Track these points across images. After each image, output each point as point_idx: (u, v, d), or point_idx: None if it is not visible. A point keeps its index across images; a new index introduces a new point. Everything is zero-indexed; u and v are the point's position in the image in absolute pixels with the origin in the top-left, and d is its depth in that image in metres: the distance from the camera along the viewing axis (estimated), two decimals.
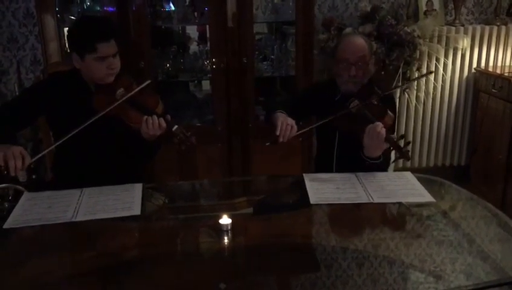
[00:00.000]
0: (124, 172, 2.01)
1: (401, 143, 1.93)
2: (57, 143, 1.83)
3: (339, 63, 2.12)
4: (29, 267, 1.52)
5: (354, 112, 2.01)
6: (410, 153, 1.94)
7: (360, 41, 2.13)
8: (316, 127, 2.21)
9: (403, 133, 3.52)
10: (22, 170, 1.74)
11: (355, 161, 2.01)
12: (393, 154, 2.03)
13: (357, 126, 1.96)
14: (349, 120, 2.01)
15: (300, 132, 2.01)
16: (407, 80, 1.97)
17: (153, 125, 1.85)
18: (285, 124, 1.95)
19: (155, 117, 1.85)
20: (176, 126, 1.84)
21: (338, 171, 2.13)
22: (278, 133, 1.95)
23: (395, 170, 3.25)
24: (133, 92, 1.91)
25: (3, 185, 3.10)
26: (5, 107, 2.11)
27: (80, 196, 1.83)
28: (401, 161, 3.46)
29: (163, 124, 1.85)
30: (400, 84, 1.96)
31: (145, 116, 1.86)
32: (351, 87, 2.10)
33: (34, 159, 1.78)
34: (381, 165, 2.03)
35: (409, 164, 3.59)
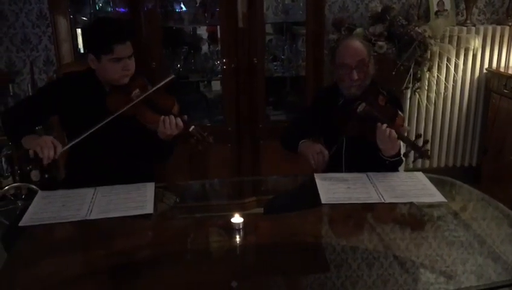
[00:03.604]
0: (136, 172, 2.03)
1: (419, 142, 1.90)
2: (78, 139, 1.84)
3: (339, 68, 2.11)
4: (43, 265, 1.54)
5: (363, 115, 2.00)
6: (429, 152, 1.92)
7: (357, 44, 2.12)
8: (322, 129, 2.23)
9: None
10: (55, 158, 1.78)
11: (365, 160, 2.02)
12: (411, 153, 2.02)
13: (368, 129, 1.95)
14: (359, 124, 2.00)
15: (331, 152, 2.08)
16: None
17: (170, 125, 1.86)
18: (316, 154, 2.05)
19: (172, 117, 1.87)
20: (192, 126, 1.86)
21: (347, 170, 2.14)
22: (313, 165, 2.05)
23: (406, 170, 3.24)
24: (152, 90, 1.93)
25: (17, 184, 3.16)
26: (19, 104, 2.15)
27: (93, 194, 1.85)
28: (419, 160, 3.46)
29: (181, 124, 1.87)
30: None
31: (162, 116, 1.88)
32: (354, 91, 2.09)
33: (64, 148, 1.82)
34: (400, 161, 2.04)
35: (419, 164, 3.58)
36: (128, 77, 1.97)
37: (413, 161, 1.98)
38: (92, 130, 1.84)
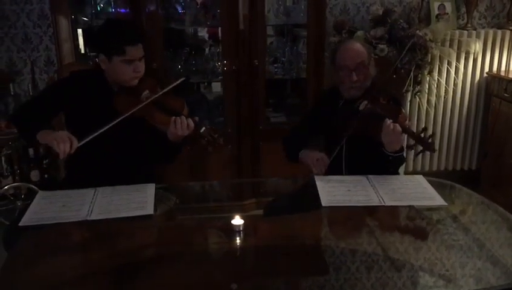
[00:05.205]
0: (137, 172, 2.03)
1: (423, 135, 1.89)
2: (91, 136, 1.83)
3: (339, 70, 2.12)
4: (43, 265, 1.54)
5: (366, 113, 2.00)
6: (434, 146, 1.91)
7: (357, 46, 2.13)
8: (322, 130, 2.23)
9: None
10: (70, 153, 1.78)
11: (366, 162, 2.02)
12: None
13: (371, 126, 1.95)
14: (362, 122, 1.99)
15: (332, 157, 2.08)
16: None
17: (181, 125, 1.87)
18: (315, 160, 2.07)
19: (184, 118, 1.88)
20: (203, 128, 1.87)
21: (348, 173, 2.14)
22: (314, 171, 2.06)
23: (406, 173, 3.25)
24: (161, 92, 1.94)
25: (16, 183, 3.16)
26: (30, 102, 2.16)
27: (93, 195, 1.85)
28: (420, 158, 3.44)
29: (192, 125, 1.88)
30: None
31: (174, 117, 1.88)
32: (354, 92, 2.10)
33: (80, 143, 1.81)
34: (402, 157, 2.04)
35: (419, 167, 3.58)
36: (138, 79, 1.98)
37: (417, 155, 1.97)
38: (104, 128, 1.84)
